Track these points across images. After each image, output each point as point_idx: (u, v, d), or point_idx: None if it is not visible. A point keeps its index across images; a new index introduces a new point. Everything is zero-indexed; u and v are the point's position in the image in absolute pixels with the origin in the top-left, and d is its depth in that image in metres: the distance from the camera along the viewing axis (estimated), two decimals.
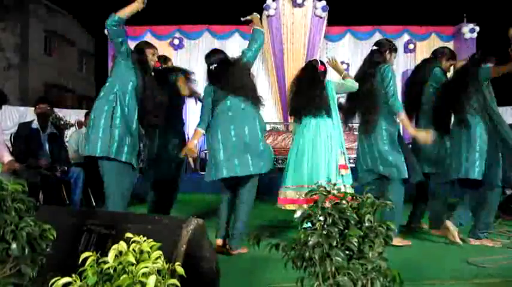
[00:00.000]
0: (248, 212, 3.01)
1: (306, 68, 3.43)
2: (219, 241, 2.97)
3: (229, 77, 2.97)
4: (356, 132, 7.45)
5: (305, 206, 2.99)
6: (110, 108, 2.84)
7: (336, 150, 3.18)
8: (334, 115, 3.26)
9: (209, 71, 3.07)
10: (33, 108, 4.39)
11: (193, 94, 3.51)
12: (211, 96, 3.05)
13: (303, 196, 2.98)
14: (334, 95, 3.29)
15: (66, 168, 4.13)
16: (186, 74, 3.54)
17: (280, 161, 6.66)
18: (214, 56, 3.07)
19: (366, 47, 8.90)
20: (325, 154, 3.16)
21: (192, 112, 7.15)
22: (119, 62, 2.97)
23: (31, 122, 4.24)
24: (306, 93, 3.25)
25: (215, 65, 3.03)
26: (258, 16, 3.24)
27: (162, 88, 3.22)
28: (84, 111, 6.83)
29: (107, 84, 2.95)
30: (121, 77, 2.94)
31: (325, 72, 3.36)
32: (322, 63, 3.39)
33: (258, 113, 3.05)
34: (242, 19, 3.27)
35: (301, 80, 3.37)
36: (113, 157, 2.81)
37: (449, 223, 3.14)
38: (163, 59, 3.75)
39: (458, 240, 3.10)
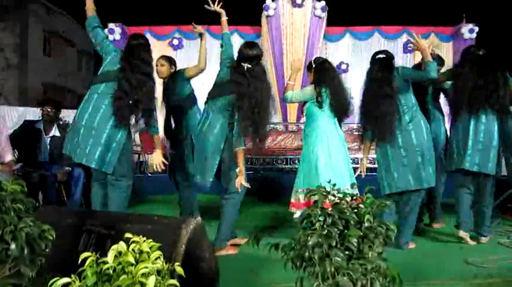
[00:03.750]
0: (234, 213, 2.99)
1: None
2: None
3: (252, 83, 2.81)
4: (356, 133, 7.47)
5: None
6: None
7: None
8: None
9: (241, 65, 2.87)
10: (32, 109, 4.37)
11: None
12: (222, 78, 2.95)
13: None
14: None
15: (69, 168, 4.13)
16: None
17: (279, 161, 6.66)
18: (256, 51, 2.90)
19: (365, 47, 8.92)
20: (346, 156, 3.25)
21: None
22: None
23: (35, 122, 4.23)
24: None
25: (249, 66, 2.85)
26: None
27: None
28: None
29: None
30: None
31: None
32: None
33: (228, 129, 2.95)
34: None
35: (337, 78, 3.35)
36: None
37: (462, 233, 3.18)
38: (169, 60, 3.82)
39: (472, 242, 3.17)
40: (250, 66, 2.85)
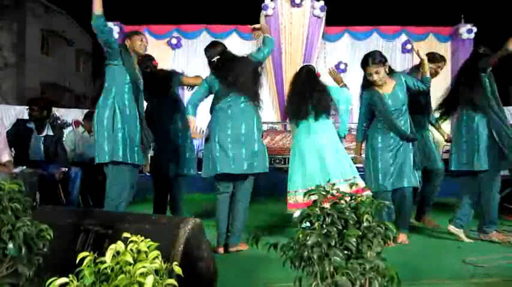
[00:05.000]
0: (246, 210, 3.02)
1: (308, 72, 3.42)
2: (221, 249, 2.94)
3: (231, 72, 2.94)
4: (354, 133, 7.46)
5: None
6: (110, 114, 2.82)
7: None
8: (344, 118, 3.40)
9: (211, 63, 3.04)
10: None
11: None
12: (210, 89, 3.04)
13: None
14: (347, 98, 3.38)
15: (67, 169, 4.11)
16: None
17: (278, 161, 6.66)
18: (215, 49, 3.04)
19: (364, 47, 8.93)
20: (333, 154, 3.23)
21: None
22: (111, 66, 2.88)
23: (28, 121, 4.20)
24: (311, 96, 3.27)
25: (217, 57, 3.01)
26: (267, 26, 3.22)
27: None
28: (82, 110, 6.80)
29: (104, 89, 2.90)
30: (116, 80, 2.87)
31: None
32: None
33: (256, 112, 3.04)
34: (251, 27, 3.25)
35: (303, 82, 3.36)
36: (120, 160, 2.84)
37: (451, 228, 3.27)
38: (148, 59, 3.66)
39: (466, 239, 3.22)
40: (219, 57, 3.01)
